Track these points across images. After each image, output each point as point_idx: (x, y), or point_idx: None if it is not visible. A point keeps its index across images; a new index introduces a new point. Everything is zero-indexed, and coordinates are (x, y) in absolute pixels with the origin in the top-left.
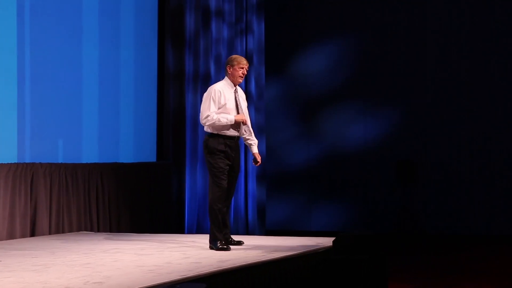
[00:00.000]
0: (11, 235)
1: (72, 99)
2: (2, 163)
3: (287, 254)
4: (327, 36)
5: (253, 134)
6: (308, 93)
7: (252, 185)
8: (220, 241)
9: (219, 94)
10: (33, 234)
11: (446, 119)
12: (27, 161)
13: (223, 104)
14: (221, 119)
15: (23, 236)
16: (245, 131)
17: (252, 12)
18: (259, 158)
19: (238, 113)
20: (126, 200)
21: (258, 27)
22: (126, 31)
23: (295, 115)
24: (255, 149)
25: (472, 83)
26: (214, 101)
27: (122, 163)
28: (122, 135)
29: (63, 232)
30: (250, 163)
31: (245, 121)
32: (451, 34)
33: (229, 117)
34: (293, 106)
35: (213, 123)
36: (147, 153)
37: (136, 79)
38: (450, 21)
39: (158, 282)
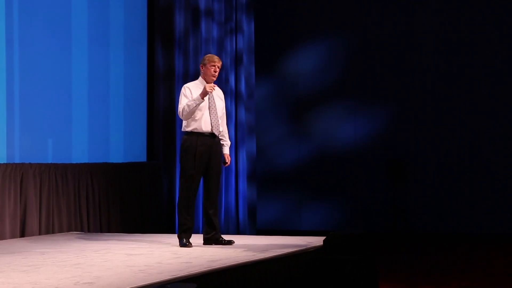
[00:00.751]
0: (0, 236)
1: (61, 99)
2: None
3: (278, 253)
4: (317, 35)
5: (227, 135)
6: (298, 93)
7: (242, 185)
8: (185, 239)
9: (189, 91)
10: (23, 234)
11: (437, 118)
12: (16, 161)
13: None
14: (189, 103)
15: (13, 236)
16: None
17: (241, 11)
18: (227, 159)
19: (210, 112)
20: (116, 200)
21: (248, 27)
22: (115, 30)
23: (286, 115)
24: (226, 150)
25: (463, 81)
26: (185, 95)
27: (112, 163)
28: (112, 135)
29: (53, 232)
30: (241, 163)
31: (211, 86)
32: (442, 33)
33: (194, 97)
34: (283, 106)
35: (183, 109)
36: (137, 153)
37: (126, 79)
38: (441, 20)
39: (149, 282)
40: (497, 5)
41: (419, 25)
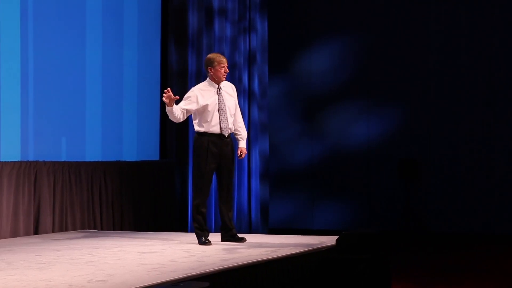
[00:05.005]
0: (14, 233)
1: (75, 97)
2: (5, 161)
3: (290, 252)
4: (330, 34)
5: (242, 129)
6: (311, 92)
7: (255, 183)
8: (204, 237)
9: (194, 96)
10: (36, 232)
11: (449, 118)
12: (30, 159)
13: (204, 105)
14: (169, 109)
15: (26, 234)
16: (233, 124)
17: (255, 10)
18: (240, 152)
19: (220, 113)
20: (130, 198)
21: (261, 25)
22: (129, 29)
23: (299, 114)
24: (241, 144)
25: (475, 81)
26: (185, 98)
27: (126, 161)
28: (126, 133)
29: (66, 230)
30: (254, 161)
31: (165, 94)
32: (454, 33)
33: (202, 103)
34: (296, 105)
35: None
36: (151, 151)
37: (139, 77)
38: (453, 20)
39: (162, 280)
40: (510, 5)
41: (433, 24)
